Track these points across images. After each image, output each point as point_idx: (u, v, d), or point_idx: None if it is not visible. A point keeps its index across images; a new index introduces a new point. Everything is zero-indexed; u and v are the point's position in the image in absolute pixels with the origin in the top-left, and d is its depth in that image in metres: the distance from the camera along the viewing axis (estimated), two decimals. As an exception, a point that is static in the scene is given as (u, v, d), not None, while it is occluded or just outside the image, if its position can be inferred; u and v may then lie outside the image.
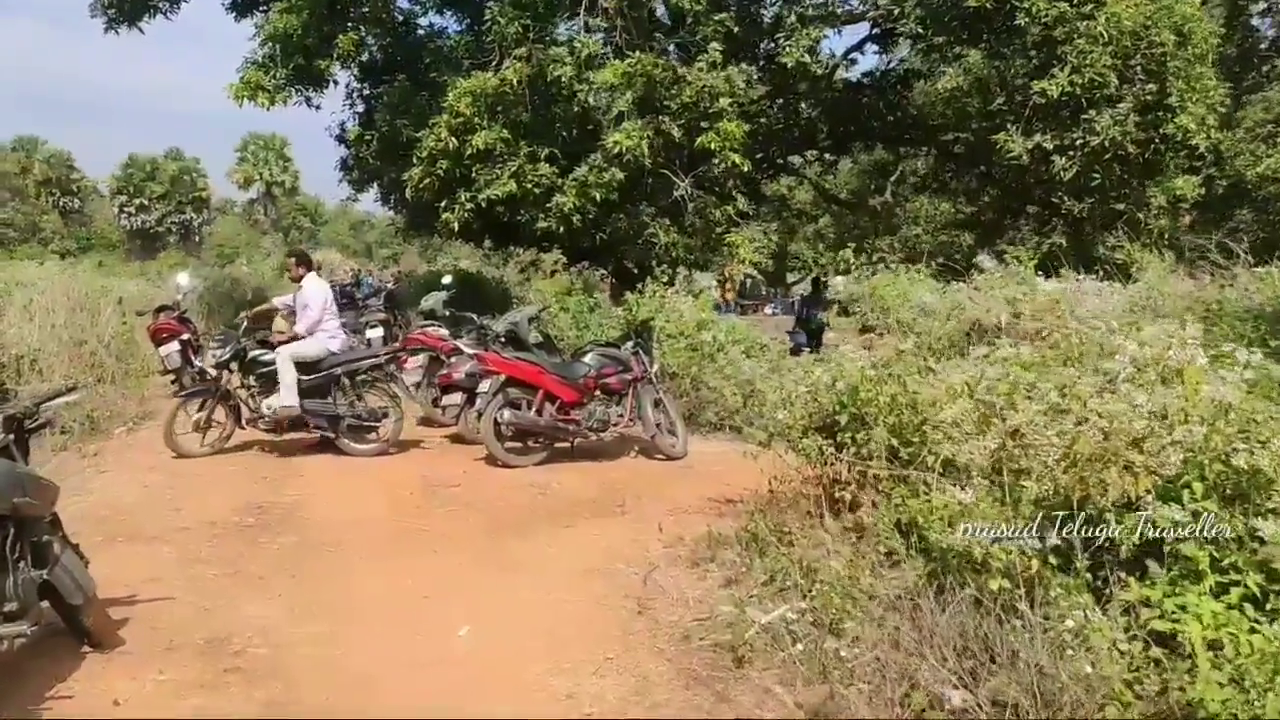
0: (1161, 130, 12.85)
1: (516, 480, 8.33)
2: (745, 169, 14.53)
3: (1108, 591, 3.61)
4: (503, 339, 10.24)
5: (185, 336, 10.93)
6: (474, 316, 11.27)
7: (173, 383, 10.76)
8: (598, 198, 13.19)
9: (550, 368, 8.90)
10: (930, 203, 29.99)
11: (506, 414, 8.58)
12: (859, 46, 18.63)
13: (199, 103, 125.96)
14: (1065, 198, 13.49)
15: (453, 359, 10.03)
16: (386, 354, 9.62)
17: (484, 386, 8.87)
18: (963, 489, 3.86)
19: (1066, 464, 3.48)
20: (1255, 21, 19.68)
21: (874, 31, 17.78)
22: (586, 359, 9.12)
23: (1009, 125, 12.92)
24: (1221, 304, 9.33)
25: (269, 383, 8.99)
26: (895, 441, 6.12)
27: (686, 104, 13.11)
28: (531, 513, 7.34)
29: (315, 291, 9.33)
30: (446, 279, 14.92)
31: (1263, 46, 20.66)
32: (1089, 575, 3.56)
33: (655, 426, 9.15)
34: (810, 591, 5.21)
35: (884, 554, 5.30)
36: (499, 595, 5.49)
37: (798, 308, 20.68)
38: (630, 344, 9.35)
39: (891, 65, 18.76)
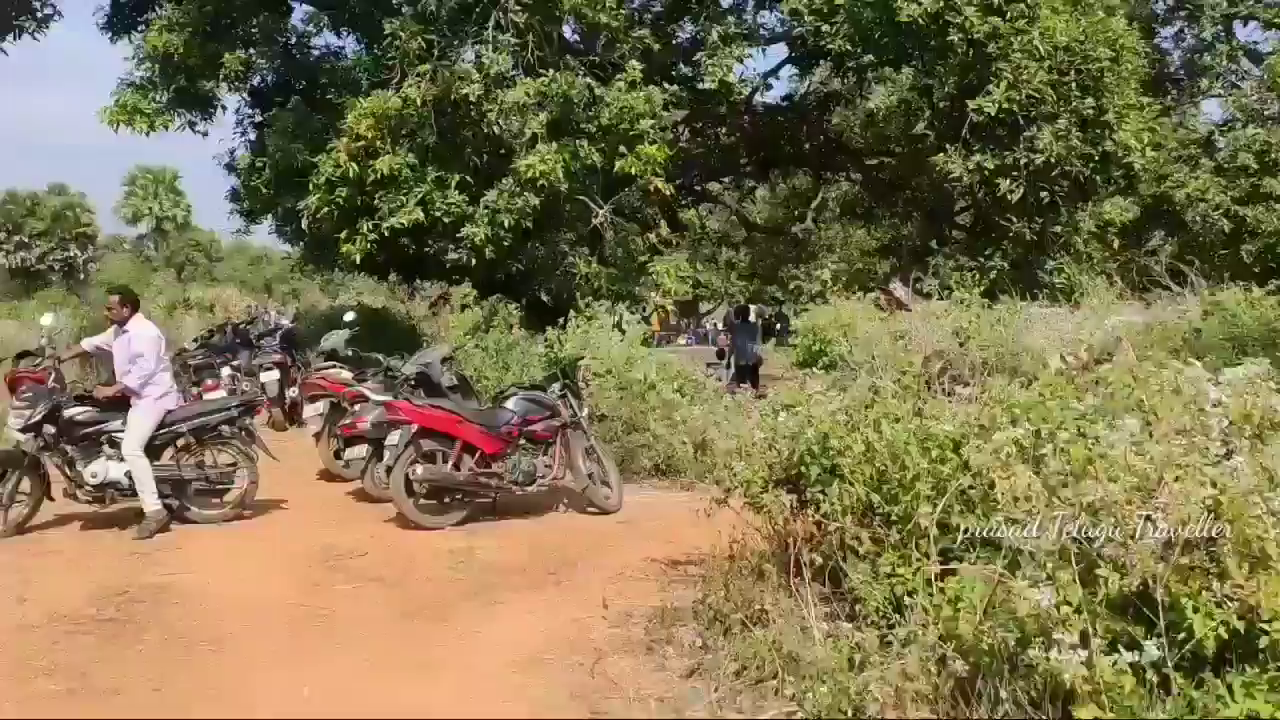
0: (1100, 147, 12.49)
1: (433, 545, 7.32)
2: (669, 194, 13.80)
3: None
4: (413, 382, 9.23)
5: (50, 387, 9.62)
6: (380, 357, 10.22)
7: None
8: (508, 225, 12.27)
9: (469, 415, 7.94)
10: (844, 229, 29.82)
11: (420, 469, 7.58)
12: (777, 69, 18.16)
13: (85, 136, 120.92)
14: (1013, 219, 13.03)
15: (357, 406, 8.96)
16: (239, 406, 8.33)
17: (393, 438, 7.84)
18: (1032, 582, 3.02)
19: (1169, 551, 2.70)
20: (1166, 45, 19.78)
21: (793, 54, 17.28)
22: (509, 404, 8.17)
23: (946, 146, 12.42)
24: (1200, 331, 8.85)
25: (91, 446, 7.69)
26: (877, 498, 5.35)
27: (605, 126, 12.32)
28: (452, 586, 6.35)
29: (148, 336, 7.84)
30: (349, 316, 13.79)
31: (1170, 70, 20.80)
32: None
33: (587, 478, 8.23)
34: (797, 690, 4.36)
35: (878, 637, 4.50)
36: (415, 704, 4.50)
37: (723, 339, 19.99)
38: (557, 386, 8.43)
39: (811, 89, 18.27)
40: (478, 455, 7.83)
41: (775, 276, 39.75)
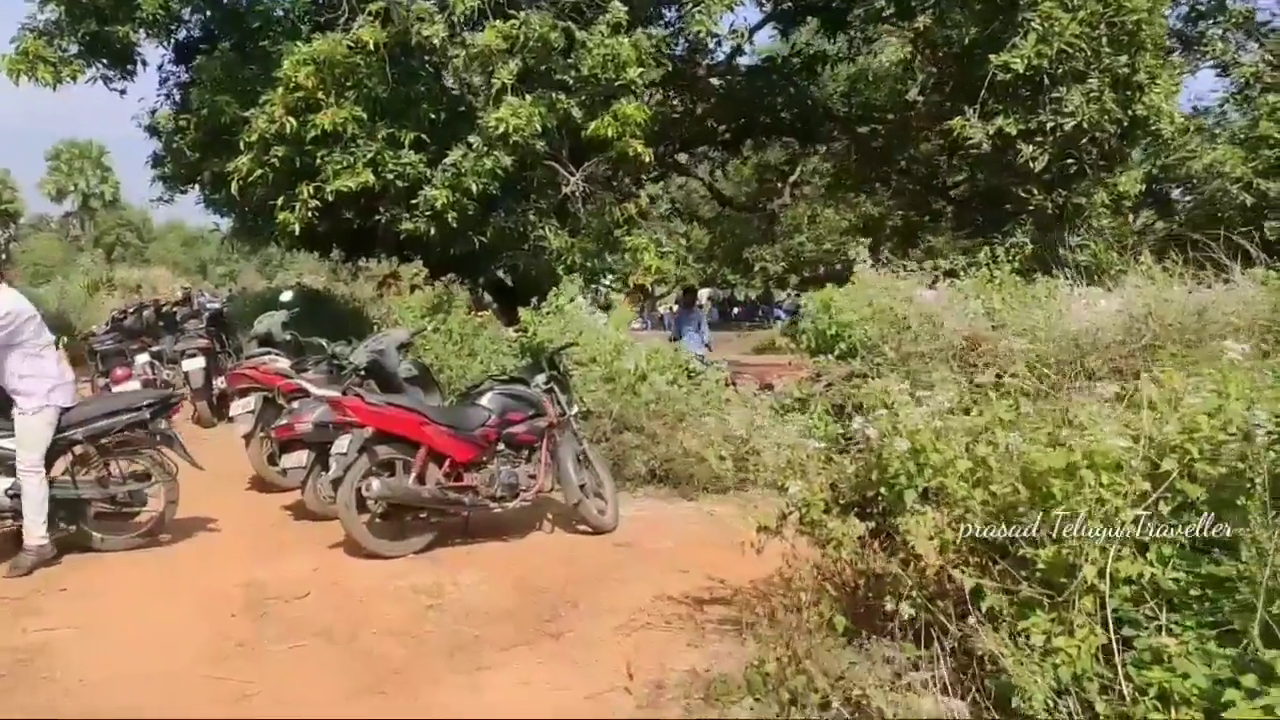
0: (1131, 111, 11.28)
1: (393, 581, 5.87)
2: (648, 160, 12.36)
3: None
4: (363, 373, 7.75)
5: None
6: (324, 343, 8.71)
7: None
8: (475, 190, 10.75)
9: (435, 415, 6.47)
10: (810, 206, 28.52)
11: (376, 484, 6.10)
12: (760, 25, 16.75)
13: (9, 117, 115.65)
14: (1033, 191, 11.79)
15: (295, 403, 7.43)
16: (152, 403, 6.55)
17: (341, 444, 6.36)
18: None
19: None
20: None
21: (779, 7, 15.87)
22: (484, 401, 6.70)
23: (964, 108, 11.11)
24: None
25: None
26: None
27: (585, 77, 10.84)
28: (419, 645, 4.91)
29: (17, 305, 6.03)
30: (286, 295, 12.21)
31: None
32: None
33: (579, 490, 6.81)
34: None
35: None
36: None
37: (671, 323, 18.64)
38: (542, 378, 6.98)
39: (795, 49, 16.89)
40: (447, 464, 6.38)
41: (738, 256, 38.62)
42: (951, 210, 16.42)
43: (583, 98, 10.90)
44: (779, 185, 20.07)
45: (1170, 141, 12.71)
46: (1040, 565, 3.74)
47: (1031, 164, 11.10)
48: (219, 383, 10.59)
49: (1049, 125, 10.99)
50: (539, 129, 10.37)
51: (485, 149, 10.62)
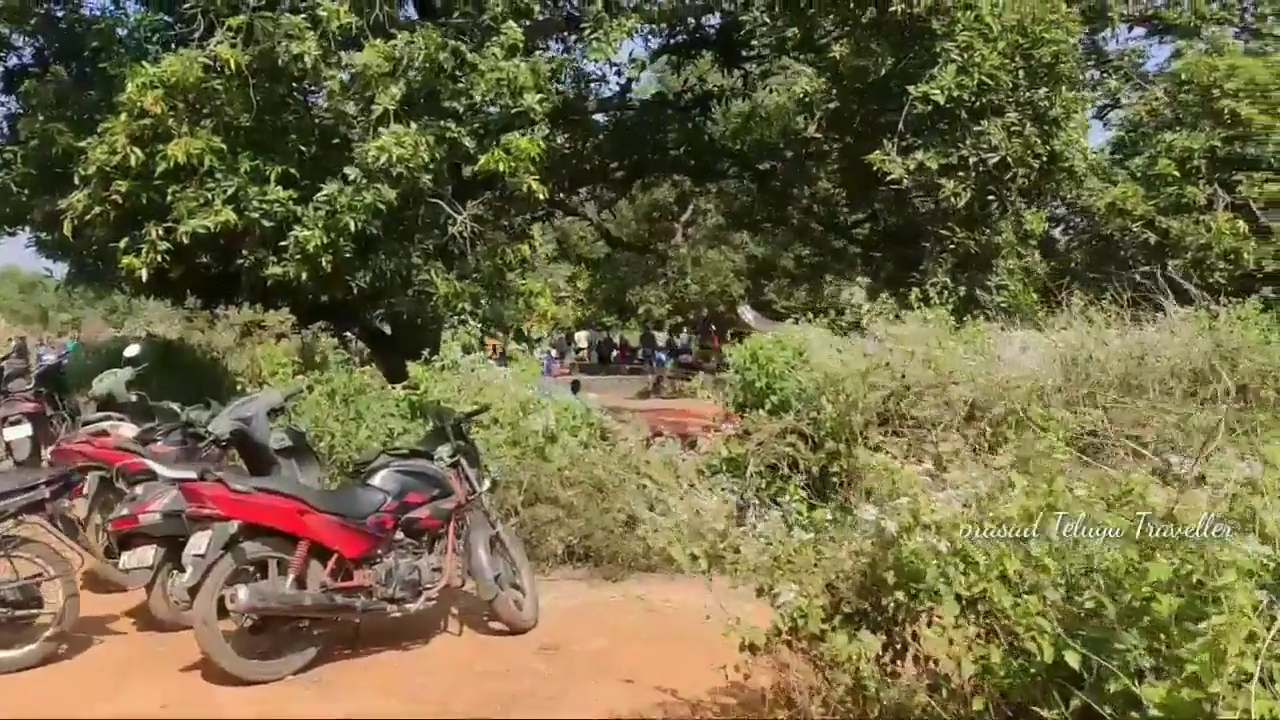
0: (1050, 145, 10.93)
1: (264, 714, 4.68)
2: (543, 197, 11.40)
3: None
4: (224, 444, 6.53)
5: None
6: (176, 408, 7.40)
7: None
8: (353, 228, 9.59)
9: (318, 501, 5.32)
10: (692, 249, 28.00)
11: (243, 593, 4.92)
12: (655, 58, 16.06)
13: None
14: (955, 229, 11.29)
15: (139, 485, 6.12)
16: (50, 482, 5.47)
17: (198, 543, 5.12)
18: None
19: None
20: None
21: (675, 39, 15.19)
22: (378, 480, 5.59)
23: (884, 140, 10.53)
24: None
25: None
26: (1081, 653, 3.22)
27: (478, 104, 9.84)
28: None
29: None
30: (131, 350, 10.73)
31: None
32: None
33: (494, 582, 5.74)
34: None
35: None
36: None
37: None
38: (447, 450, 5.90)
39: (688, 84, 16.24)
40: (333, 561, 5.24)
41: (621, 299, 37.88)
42: (858, 252, 15.94)
43: (475, 126, 9.89)
44: (672, 224, 19.38)
45: (1083, 179, 12.44)
46: (1152, 708, 2.88)
47: (954, 200, 10.58)
48: (47, 454, 9.08)
49: (971, 160, 10.51)
50: (425, 160, 9.29)
51: (364, 182, 9.48)
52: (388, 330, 14.29)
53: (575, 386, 16.35)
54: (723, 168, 16.84)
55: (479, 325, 10.96)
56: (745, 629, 3.91)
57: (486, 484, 6.03)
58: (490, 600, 5.71)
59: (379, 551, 5.41)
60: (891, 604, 3.78)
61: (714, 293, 32.85)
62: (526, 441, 7.84)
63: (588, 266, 23.13)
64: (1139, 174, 15.13)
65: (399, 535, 5.51)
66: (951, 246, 11.50)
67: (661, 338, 44.27)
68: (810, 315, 10.19)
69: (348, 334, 16.20)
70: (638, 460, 8.07)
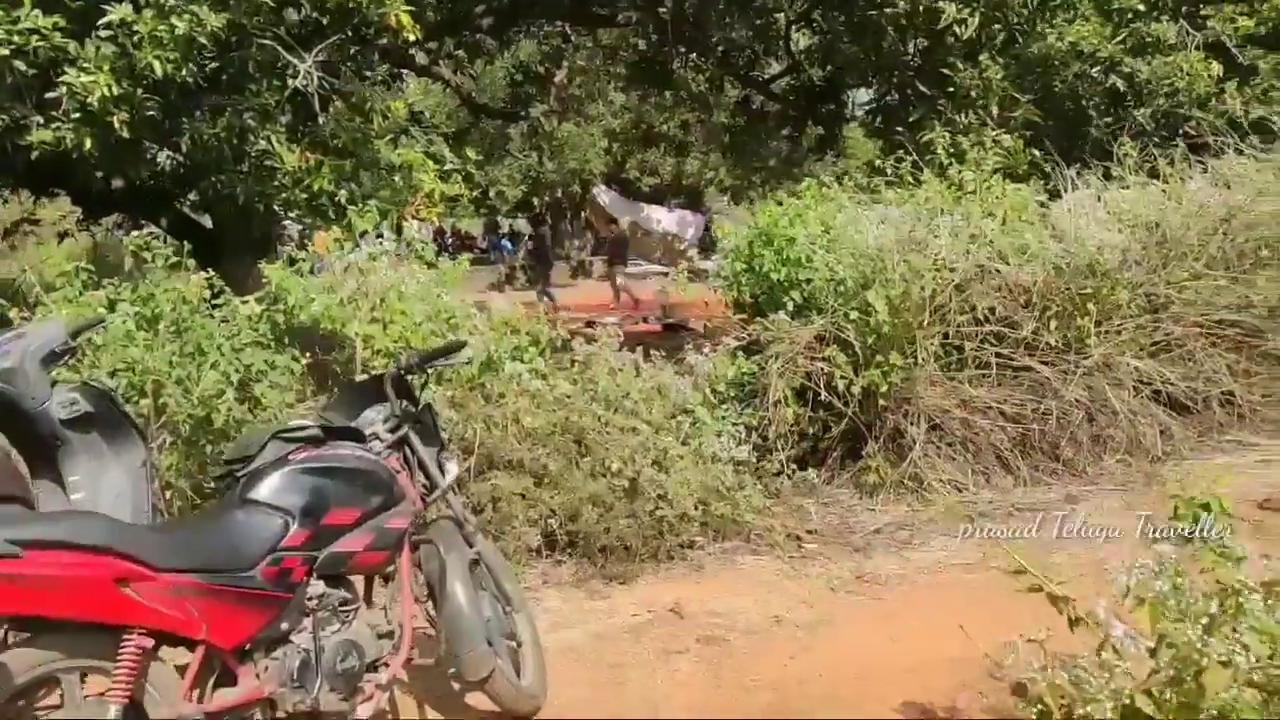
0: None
1: None
2: (414, 38, 8.61)
3: None
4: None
5: None
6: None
7: None
8: (160, 72, 6.65)
9: (154, 546, 2.74)
10: (566, 116, 24.99)
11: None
12: None
13: None
14: (958, 65, 9.11)
15: None
16: None
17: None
18: None
19: None
20: None
21: None
22: (268, 489, 3.01)
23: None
24: None
25: None
26: None
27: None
28: None
29: None
30: None
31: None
32: None
33: (488, 647, 3.32)
34: None
35: None
36: None
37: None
38: (381, 419, 3.39)
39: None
40: (198, 658, 2.74)
41: (469, 177, 34.30)
42: (776, 110, 13.64)
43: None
44: (548, 84, 16.54)
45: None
46: None
47: (958, 30, 8.37)
48: None
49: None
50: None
51: (175, 2, 6.51)
52: (209, 223, 11.22)
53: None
54: (611, 10, 14.07)
55: (354, 210, 8.21)
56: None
57: (452, 473, 3.54)
58: (484, 679, 3.30)
59: (282, 626, 2.92)
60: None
61: (572, 170, 30.05)
62: (460, 376, 5.35)
63: (447, 140, 19.97)
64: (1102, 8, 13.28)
65: (316, 587, 3.02)
66: (951, 91, 9.32)
67: (505, 225, 41.19)
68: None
69: (153, 229, 12.84)
70: (614, 391, 5.71)
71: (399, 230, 8.98)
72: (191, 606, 2.71)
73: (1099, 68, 12.96)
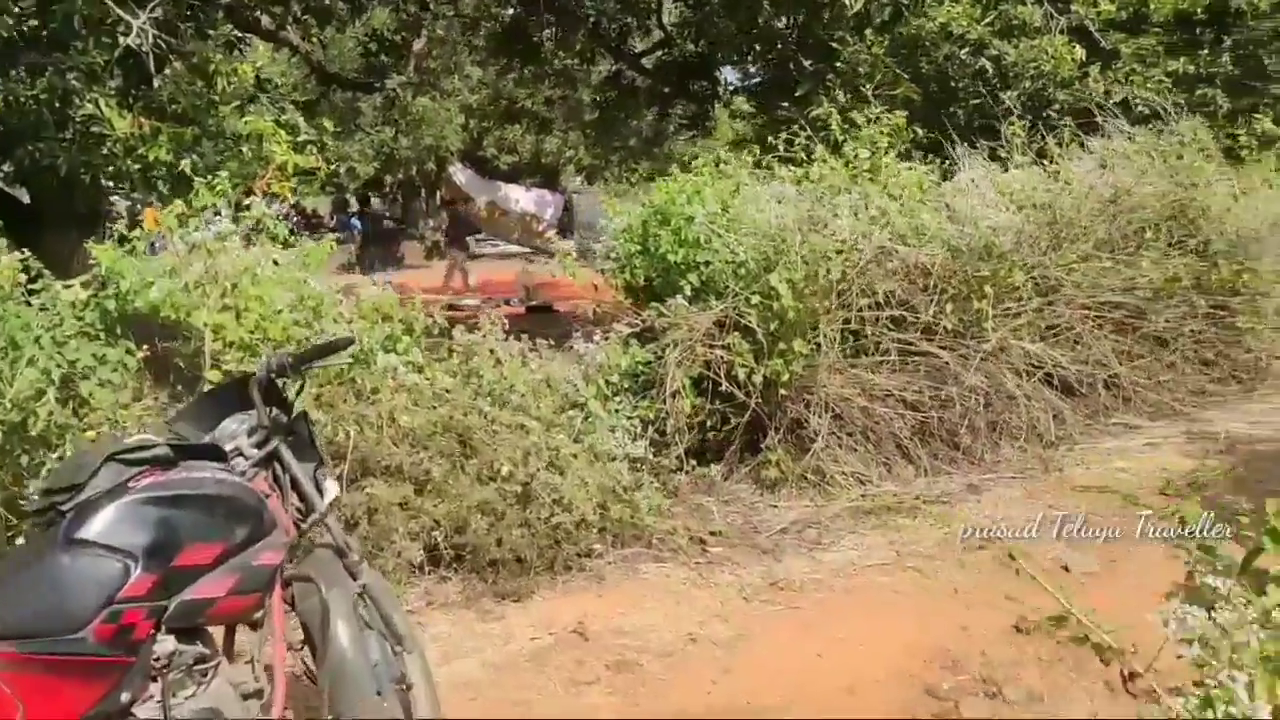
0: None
1: None
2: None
3: None
4: None
5: None
6: None
7: None
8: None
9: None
10: (424, 88, 23.94)
11: None
12: None
13: None
14: (850, 41, 8.85)
15: None
16: None
17: None
18: None
19: None
20: None
21: None
22: (100, 524, 2.42)
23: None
24: None
25: None
26: None
27: None
28: None
29: None
30: None
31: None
32: None
33: (376, 694, 2.81)
34: None
35: None
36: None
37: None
38: (245, 431, 2.83)
39: None
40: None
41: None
42: (646, 85, 13.23)
43: None
44: (405, 55, 15.67)
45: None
46: None
47: (848, 2, 8.13)
48: None
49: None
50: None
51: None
52: (25, 197, 10.10)
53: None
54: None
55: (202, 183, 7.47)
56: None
57: (332, 492, 3.00)
58: (372, 734, 2.80)
59: (122, 697, 2.36)
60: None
61: (428, 147, 28.96)
62: (330, 372, 4.76)
63: (299, 110, 18.81)
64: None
65: (165, 645, 2.46)
66: (838, 66, 9.08)
67: (354, 204, 39.61)
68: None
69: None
70: (501, 384, 5.22)
71: (238, 207, 8.24)
72: (2, 683, 2.13)
73: (968, 49, 13.05)
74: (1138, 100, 12.03)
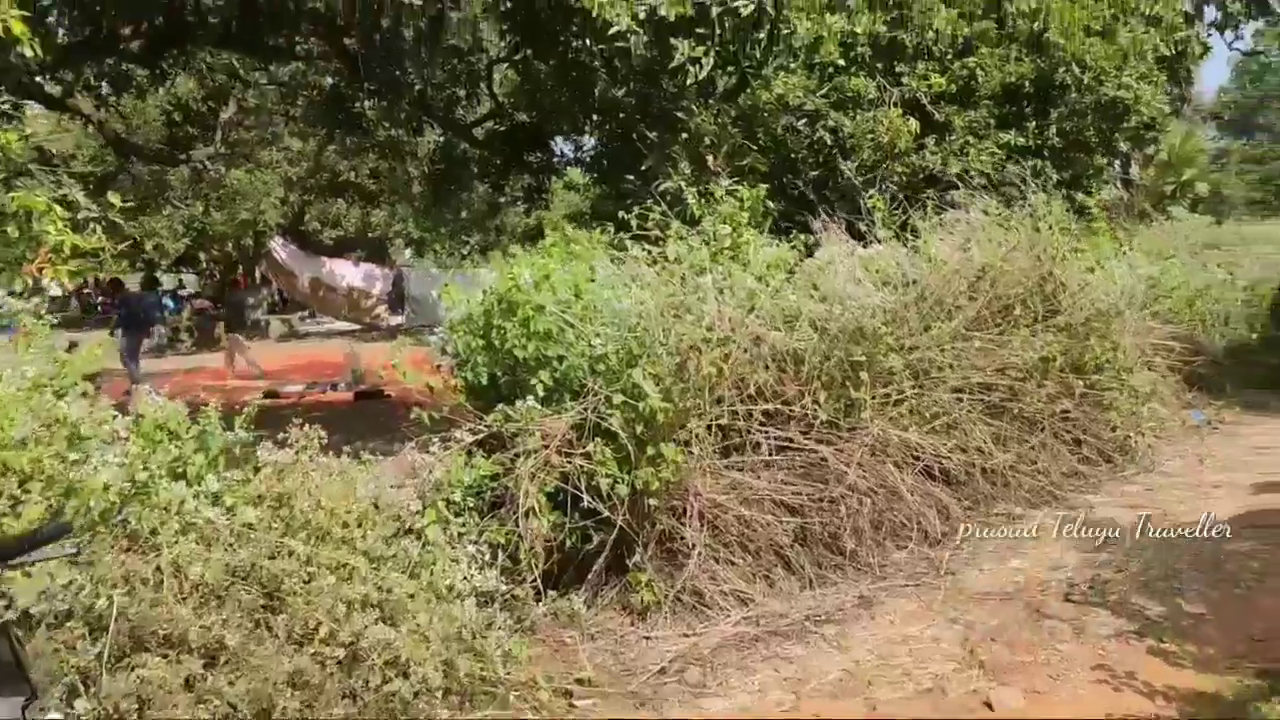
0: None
1: None
2: (34, 53, 6.86)
3: None
4: None
5: None
6: None
7: None
8: None
9: None
10: (234, 160, 22.60)
11: None
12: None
13: None
14: (694, 110, 8.35)
15: None
16: None
17: None
18: None
19: None
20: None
21: None
22: None
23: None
24: None
25: None
26: None
27: None
28: None
29: None
30: None
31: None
32: None
33: None
34: None
35: None
36: None
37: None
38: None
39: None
40: None
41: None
42: (480, 155, 12.50)
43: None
44: (213, 125, 14.49)
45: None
46: None
47: (692, 70, 7.66)
48: None
49: (715, 12, 7.61)
50: None
51: None
52: None
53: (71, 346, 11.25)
54: (288, 41, 12.44)
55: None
56: None
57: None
58: None
59: None
60: None
61: (244, 221, 27.29)
62: (87, 511, 3.76)
63: (87, 185, 17.16)
64: (806, 62, 13.23)
65: None
66: (685, 138, 8.59)
67: (170, 280, 37.18)
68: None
69: None
70: (320, 515, 4.32)
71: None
72: None
73: (804, 120, 12.92)
74: (972, 172, 12.10)
